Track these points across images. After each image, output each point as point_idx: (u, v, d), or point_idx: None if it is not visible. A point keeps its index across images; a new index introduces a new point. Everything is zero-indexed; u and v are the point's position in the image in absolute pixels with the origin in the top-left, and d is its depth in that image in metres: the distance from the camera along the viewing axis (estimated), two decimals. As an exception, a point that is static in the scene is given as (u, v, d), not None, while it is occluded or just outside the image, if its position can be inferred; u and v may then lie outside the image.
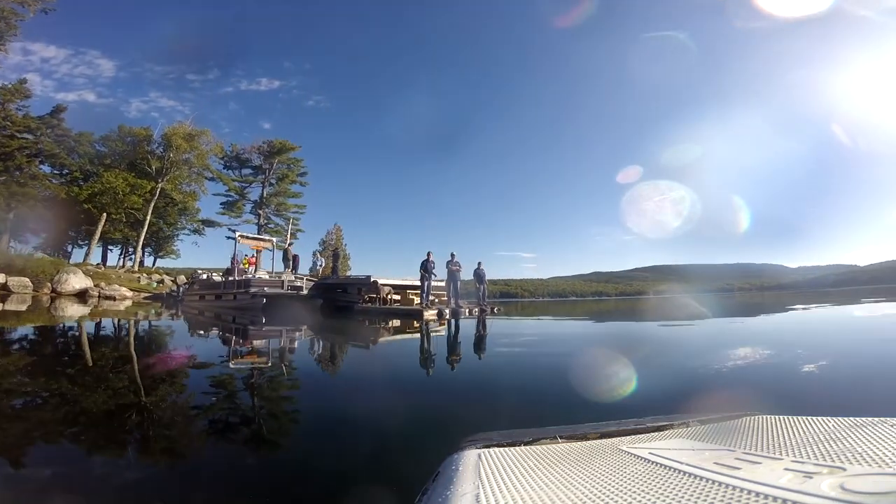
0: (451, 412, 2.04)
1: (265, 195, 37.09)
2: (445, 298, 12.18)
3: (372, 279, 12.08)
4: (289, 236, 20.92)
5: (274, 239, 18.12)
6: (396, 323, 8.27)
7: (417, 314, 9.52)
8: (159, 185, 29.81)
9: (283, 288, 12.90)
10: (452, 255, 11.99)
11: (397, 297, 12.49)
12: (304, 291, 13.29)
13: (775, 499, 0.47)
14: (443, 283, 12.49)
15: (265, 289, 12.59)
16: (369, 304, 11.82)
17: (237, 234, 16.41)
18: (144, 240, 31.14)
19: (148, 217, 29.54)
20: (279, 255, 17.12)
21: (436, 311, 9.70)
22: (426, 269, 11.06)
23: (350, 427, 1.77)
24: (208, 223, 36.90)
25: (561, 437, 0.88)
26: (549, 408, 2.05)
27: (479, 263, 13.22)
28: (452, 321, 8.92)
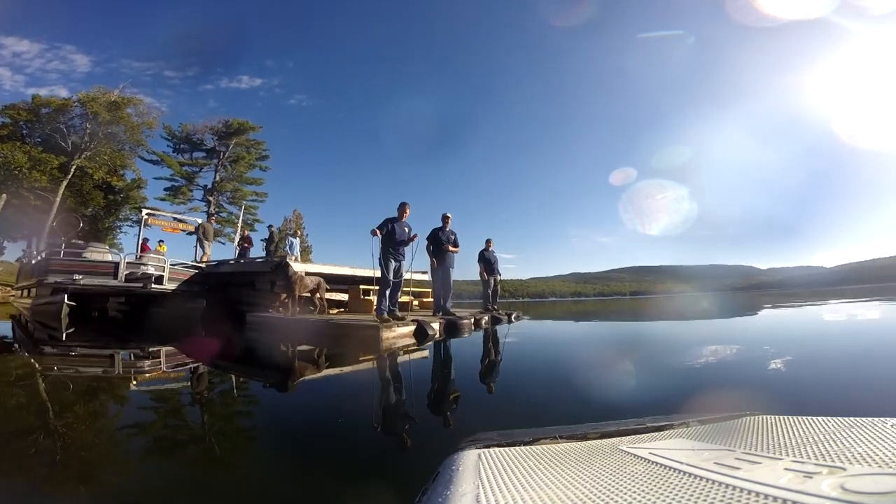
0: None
1: (218, 180, 33.26)
2: (430, 300, 7.57)
3: (284, 262, 6.99)
4: (239, 225, 17.73)
5: (199, 220, 13.50)
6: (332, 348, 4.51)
7: (369, 334, 4.64)
8: (74, 162, 25.86)
9: (116, 278, 8.16)
10: (445, 220, 6.75)
11: (340, 296, 8.09)
12: (167, 285, 8.63)
13: (775, 499, 0.47)
14: (427, 276, 8.06)
15: (76, 277, 7.73)
16: (291, 306, 6.67)
17: (144, 212, 12.38)
18: (81, 232, 28.43)
19: (57, 200, 25.50)
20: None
21: (411, 328, 4.98)
22: (391, 240, 5.48)
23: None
24: (156, 216, 33.11)
25: (561, 437, 0.88)
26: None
27: (488, 242, 8.34)
28: (442, 344, 4.66)
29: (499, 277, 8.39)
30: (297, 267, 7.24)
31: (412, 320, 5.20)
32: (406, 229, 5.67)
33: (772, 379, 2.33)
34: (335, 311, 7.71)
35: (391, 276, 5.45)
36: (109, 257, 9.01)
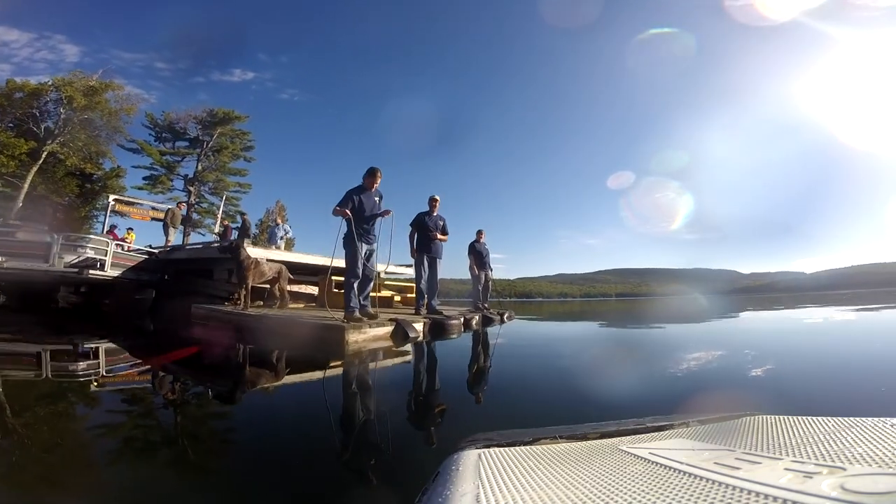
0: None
1: (200, 170, 31.95)
2: (413, 295, 6.51)
3: (235, 244, 5.94)
4: (220, 216, 17.17)
5: (172, 206, 12.38)
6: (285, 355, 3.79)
7: (331, 335, 3.90)
8: (45, 147, 24.61)
9: (48, 262, 7.42)
10: (432, 204, 5.92)
11: (310, 289, 7.30)
12: (109, 272, 7.86)
13: (775, 499, 0.47)
14: (410, 269, 7.38)
15: None
16: (244, 298, 5.65)
17: (111, 198, 11.79)
18: (57, 221, 27.41)
19: (25, 185, 24.10)
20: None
21: (388, 329, 4.27)
22: (359, 216, 4.38)
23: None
24: (123, 202, 31.88)
25: (561, 437, 0.88)
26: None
27: (480, 234, 7.57)
28: (424, 347, 4.12)
29: (491, 273, 7.62)
30: (255, 252, 6.32)
31: (390, 319, 4.40)
32: (377, 199, 4.52)
33: (771, 379, 2.35)
34: (302, 305, 6.84)
35: (362, 264, 4.38)
36: (47, 239, 7.80)
